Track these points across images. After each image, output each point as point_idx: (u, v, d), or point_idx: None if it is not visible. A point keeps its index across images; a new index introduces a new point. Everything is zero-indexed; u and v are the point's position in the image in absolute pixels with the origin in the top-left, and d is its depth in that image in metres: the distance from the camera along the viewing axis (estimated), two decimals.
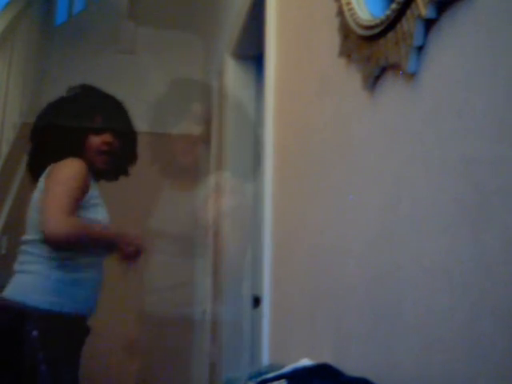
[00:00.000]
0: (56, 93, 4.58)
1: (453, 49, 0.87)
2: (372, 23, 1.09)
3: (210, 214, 3.30)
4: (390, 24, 1.01)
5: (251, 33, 2.59)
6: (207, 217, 3.38)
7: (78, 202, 1.86)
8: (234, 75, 2.94)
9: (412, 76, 0.98)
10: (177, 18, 4.37)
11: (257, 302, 2.44)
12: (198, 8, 4.12)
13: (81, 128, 1.99)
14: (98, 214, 1.94)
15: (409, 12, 0.95)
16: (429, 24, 0.92)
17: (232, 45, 2.88)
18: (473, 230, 0.79)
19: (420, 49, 0.95)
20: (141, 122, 2.71)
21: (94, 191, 1.95)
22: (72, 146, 1.99)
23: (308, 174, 1.56)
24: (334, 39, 1.32)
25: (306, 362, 1.20)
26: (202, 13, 4.10)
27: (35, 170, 2.03)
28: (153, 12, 4.37)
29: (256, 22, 2.38)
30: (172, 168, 2.58)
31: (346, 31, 1.24)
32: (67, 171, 1.90)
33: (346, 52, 1.25)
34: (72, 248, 1.89)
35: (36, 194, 1.95)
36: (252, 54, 2.84)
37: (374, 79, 1.12)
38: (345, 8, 1.23)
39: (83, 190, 1.89)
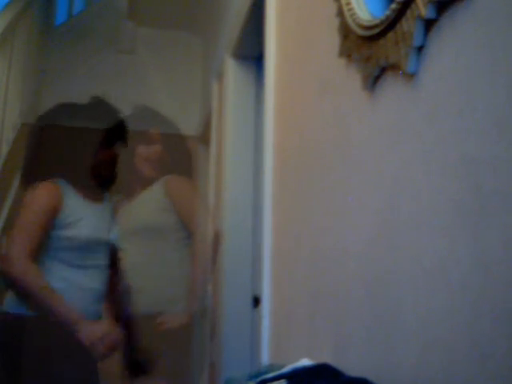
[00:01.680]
0: (56, 93, 4.58)
1: (453, 49, 0.87)
2: (372, 23, 1.09)
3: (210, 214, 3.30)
4: (390, 24, 1.01)
5: (251, 33, 2.59)
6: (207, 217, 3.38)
7: (43, 231, 1.96)
8: (234, 75, 2.94)
9: (412, 76, 0.98)
10: (177, 18, 4.36)
11: (257, 302, 2.44)
12: (198, 8, 4.12)
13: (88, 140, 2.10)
14: (80, 230, 2.00)
15: (408, 12, 0.95)
16: (428, 24, 0.92)
17: (232, 45, 2.88)
18: (472, 230, 0.79)
19: (420, 49, 0.95)
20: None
21: (75, 207, 2.01)
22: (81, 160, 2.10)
23: (308, 174, 1.56)
24: (333, 39, 1.32)
25: (305, 362, 1.20)
26: (202, 13, 4.10)
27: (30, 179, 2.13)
28: (153, 12, 4.37)
29: (256, 22, 2.38)
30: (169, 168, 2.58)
31: (345, 31, 1.24)
32: (32, 199, 2.03)
33: (345, 52, 1.25)
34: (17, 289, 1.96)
35: None
36: (252, 54, 2.84)
37: (373, 79, 1.13)
38: (344, 8, 1.23)
39: (49, 215, 1.97)
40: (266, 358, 1.82)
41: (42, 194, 2.03)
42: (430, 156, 0.92)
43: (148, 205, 2.33)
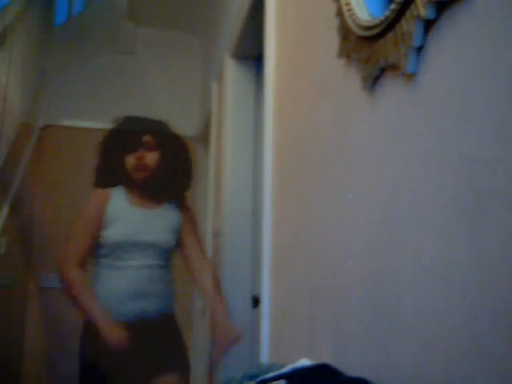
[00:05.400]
0: (56, 93, 4.58)
1: (452, 49, 0.87)
2: (371, 24, 1.09)
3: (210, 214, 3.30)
4: (390, 24, 1.01)
5: (251, 33, 2.60)
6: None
7: (92, 238, 2.21)
8: (233, 75, 2.94)
9: (411, 76, 0.98)
10: (177, 18, 4.36)
11: (256, 302, 2.44)
12: (197, 8, 4.12)
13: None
14: (112, 231, 2.22)
15: (408, 12, 0.95)
16: (428, 24, 0.92)
17: (232, 45, 2.88)
18: (471, 229, 0.79)
19: (419, 49, 0.95)
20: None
21: (115, 211, 2.24)
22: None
23: (307, 174, 1.56)
24: (333, 39, 1.33)
25: (305, 361, 1.20)
26: (202, 13, 4.10)
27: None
28: (152, 12, 4.37)
29: (255, 22, 2.39)
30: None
31: (345, 32, 1.24)
32: (85, 207, 2.30)
33: (345, 52, 1.26)
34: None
35: None
36: (252, 54, 2.85)
37: (373, 80, 1.13)
38: (344, 8, 1.23)
39: (96, 221, 2.23)
40: (265, 357, 1.82)
41: (91, 203, 2.29)
42: (429, 156, 0.92)
43: (163, 224, 2.36)
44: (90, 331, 2.19)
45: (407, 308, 0.96)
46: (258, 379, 1.17)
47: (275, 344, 1.79)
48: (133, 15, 4.40)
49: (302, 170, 1.61)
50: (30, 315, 3.93)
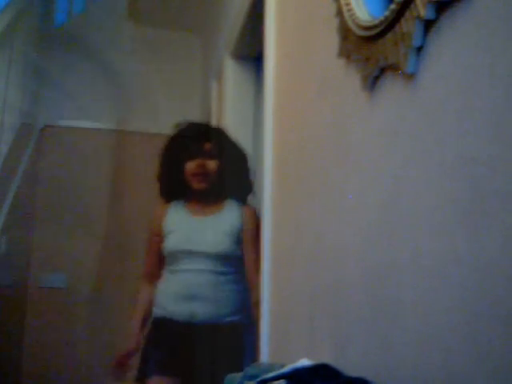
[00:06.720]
0: (56, 93, 4.57)
1: (452, 49, 0.87)
2: (371, 24, 1.09)
3: None
4: (389, 25, 1.01)
5: (251, 33, 2.60)
6: None
7: (155, 253, 2.45)
8: (233, 75, 2.94)
9: (411, 76, 0.98)
10: (177, 18, 4.37)
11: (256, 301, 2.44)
12: (197, 8, 4.12)
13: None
14: (168, 241, 2.39)
15: (408, 13, 0.95)
16: (428, 25, 0.92)
17: (231, 45, 2.88)
18: (470, 229, 0.79)
19: (419, 49, 0.95)
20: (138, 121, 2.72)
21: (172, 223, 2.42)
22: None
23: (307, 174, 1.56)
24: (333, 40, 1.33)
25: (305, 361, 1.20)
26: (202, 13, 4.10)
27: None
28: (152, 12, 4.37)
29: (255, 22, 2.39)
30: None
31: (345, 32, 1.25)
32: (149, 225, 2.55)
33: (345, 52, 1.26)
34: None
35: None
36: (251, 54, 2.85)
37: (373, 80, 1.13)
38: (344, 8, 1.24)
39: (157, 236, 2.43)
40: (265, 357, 1.82)
41: (153, 219, 2.49)
42: (428, 156, 0.92)
43: (219, 230, 2.39)
44: (156, 332, 2.38)
45: (407, 308, 0.96)
46: (258, 379, 1.17)
47: (275, 344, 1.79)
48: (133, 15, 4.40)
49: (302, 170, 1.61)
50: (30, 315, 3.93)
